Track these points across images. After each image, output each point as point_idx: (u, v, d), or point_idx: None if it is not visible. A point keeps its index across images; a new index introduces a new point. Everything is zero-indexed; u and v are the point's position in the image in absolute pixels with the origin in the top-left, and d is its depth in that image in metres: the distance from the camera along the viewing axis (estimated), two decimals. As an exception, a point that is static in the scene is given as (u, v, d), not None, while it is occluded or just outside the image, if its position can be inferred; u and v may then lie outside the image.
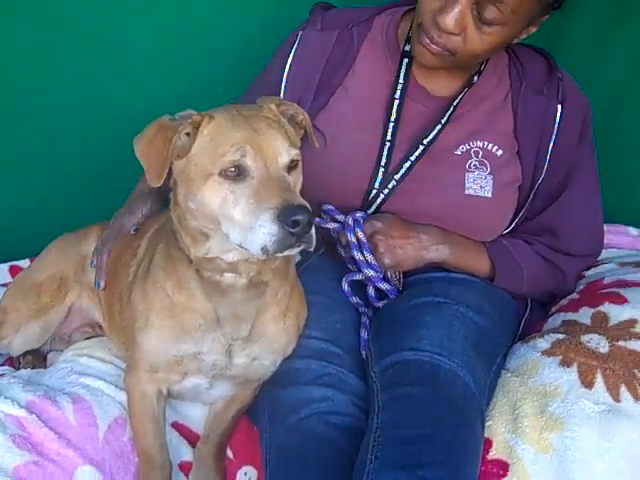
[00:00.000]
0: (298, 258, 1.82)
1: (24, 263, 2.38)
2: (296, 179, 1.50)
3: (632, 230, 2.35)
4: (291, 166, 1.48)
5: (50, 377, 1.85)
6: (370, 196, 1.81)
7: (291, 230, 1.37)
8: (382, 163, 1.79)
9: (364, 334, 1.73)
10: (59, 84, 2.34)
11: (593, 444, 1.55)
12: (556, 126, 1.82)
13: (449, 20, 1.63)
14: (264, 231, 1.38)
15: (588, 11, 2.24)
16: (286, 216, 1.37)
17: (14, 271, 2.37)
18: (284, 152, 1.46)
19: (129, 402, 1.73)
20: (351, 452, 1.52)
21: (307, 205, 1.40)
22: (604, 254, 2.16)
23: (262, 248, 1.39)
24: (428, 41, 1.68)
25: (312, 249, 1.43)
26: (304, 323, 1.73)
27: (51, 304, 2.00)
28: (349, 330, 1.75)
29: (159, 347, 1.64)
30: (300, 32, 1.88)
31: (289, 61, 1.84)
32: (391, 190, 1.80)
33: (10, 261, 2.43)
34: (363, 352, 1.71)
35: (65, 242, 2.09)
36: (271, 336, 1.66)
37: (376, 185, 1.80)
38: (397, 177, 1.79)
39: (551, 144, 1.82)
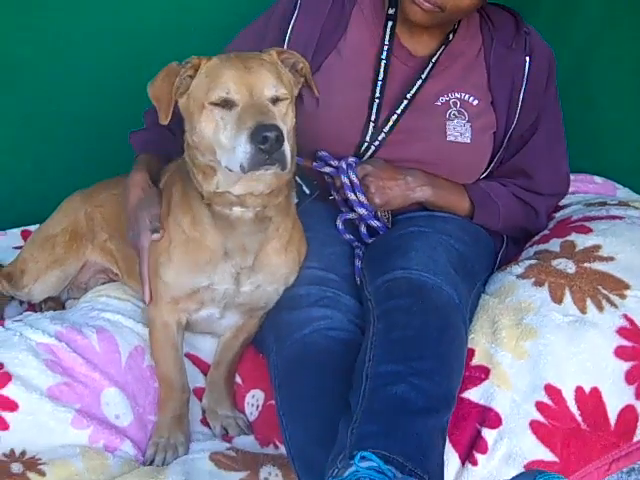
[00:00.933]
0: (296, 200, 1.99)
1: (34, 228, 2.48)
2: (284, 113, 1.66)
3: (597, 179, 2.54)
4: (275, 99, 1.64)
5: (73, 314, 2.01)
6: (362, 148, 1.98)
7: (261, 147, 1.53)
8: (372, 118, 1.97)
9: (358, 263, 1.91)
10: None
11: (563, 348, 1.73)
12: (525, 77, 2.00)
13: None
14: (240, 149, 1.55)
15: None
16: (257, 134, 1.53)
17: (25, 235, 2.50)
18: (271, 86, 1.63)
19: (151, 332, 1.88)
20: (348, 359, 1.68)
21: (278, 125, 1.56)
22: (572, 199, 2.34)
23: (240, 166, 1.57)
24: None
25: (285, 170, 1.60)
26: (304, 257, 1.91)
27: (66, 256, 2.14)
28: (344, 261, 1.92)
29: (179, 280, 1.80)
30: None
31: (291, 24, 1.98)
32: (381, 142, 1.97)
33: (21, 226, 2.56)
34: (358, 278, 1.88)
35: (75, 199, 2.23)
36: (273, 266, 1.83)
37: (367, 138, 1.97)
38: (386, 130, 1.97)
39: (522, 94, 2.00)
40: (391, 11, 1.98)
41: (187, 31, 2.52)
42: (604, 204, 2.22)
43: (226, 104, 1.61)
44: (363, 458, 1.39)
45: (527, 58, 2.00)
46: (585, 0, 2.49)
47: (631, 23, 2.44)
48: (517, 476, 1.34)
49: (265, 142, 1.54)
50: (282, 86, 1.66)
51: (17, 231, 2.56)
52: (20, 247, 2.34)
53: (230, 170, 1.63)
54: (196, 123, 1.66)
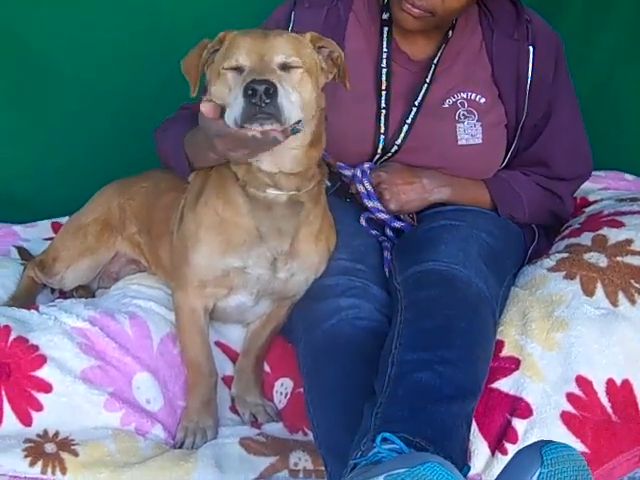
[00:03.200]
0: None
1: (64, 219, 2.51)
2: (297, 80, 1.62)
3: (628, 176, 2.54)
4: (286, 66, 1.62)
5: (105, 301, 2.03)
6: (374, 159, 1.98)
7: (252, 100, 1.52)
8: (382, 130, 1.95)
9: (387, 254, 1.92)
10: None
11: (594, 341, 1.73)
12: (530, 67, 1.95)
13: None
14: (236, 104, 1.56)
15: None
16: (248, 88, 1.53)
17: (55, 227, 2.54)
18: (281, 54, 1.62)
19: (178, 317, 1.89)
20: (375, 348, 1.69)
21: (272, 80, 1.54)
22: (603, 195, 2.35)
23: (234, 120, 1.56)
24: (409, 6, 1.81)
25: (283, 125, 1.56)
26: (334, 247, 1.90)
27: (97, 245, 2.16)
28: (372, 252, 1.93)
29: (208, 261, 1.80)
30: (292, 12, 1.97)
31: None
32: (394, 154, 1.97)
33: (52, 218, 2.60)
34: (387, 269, 1.88)
35: (109, 190, 2.24)
36: (304, 254, 1.83)
37: (379, 151, 1.97)
38: (398, 142, 1.96)
39: (528, 84, 1.96)
40: (385, 16, 1.95)
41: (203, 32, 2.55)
42: (636, 200, 2.21)
43: (237, 69, 1.62)
44: (385, 440, 1.40)
45: (531, 48, 1.96)
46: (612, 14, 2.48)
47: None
48: (524, 448, 1.34)
49: (255, 94, 1.52)
50: (296, 56, 1.64)
51: (47, 223, 2.59)
52: (50, 238, 2.38)
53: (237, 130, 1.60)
54: (215, 87, 1.67)
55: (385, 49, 1.95)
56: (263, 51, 1.62)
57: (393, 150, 1.96)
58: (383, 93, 1.95)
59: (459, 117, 1.97)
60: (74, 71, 2.58)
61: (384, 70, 1.95)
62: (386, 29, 1.95)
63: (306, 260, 1.84)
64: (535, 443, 1.32)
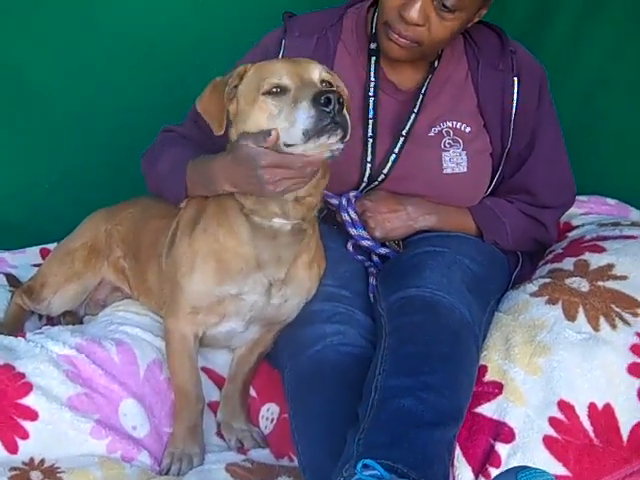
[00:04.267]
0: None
1: (53, 246, 2.51)
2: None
3: (610, 200, 2.57)
4: (324, 81, 1.65)
5: (92, 328, 2.05)
6: (361, 187, 2.00)
7: (325, 109, 1.53)
8: (368, 159, 1.96)
9: (372, 280, 1.94)
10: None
11: (577, 365, 1.74)
12: (515, 97, 1.98)
13: (414, 12, 1.78)
14: (302, 116, 1.55)
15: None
16: (319, 97, 1.54)
17: (44, 253, 2.55)
18: (318, 72, 1.65)
19: (168, 342, 1.89)
20: (360, 374, 1.70)
21: (337, 91, 1.57)
22: (585, 219, 2.38)
23: (304, 133, 1.56)
24: (396, 36, 1.83)
25: (346, 138, 1.58)
26: (323, 273, 1.92)
27: (84, 270, 2.18)
28: (358, 278, 1.95)
29: (203, 288, 1.80)
30: (282, 39, 1.99)
31: None
32: (380, 182, 1.99)
33: (40, 244, 2.60)
34: (371, 295, 1.90)
35: (97, 216, 2.27)
36: (300, 280, 1.84)
37: (365, 179, 1.98)
38: (385, 171, 1.97)
39: (513, 114, 1.99)
40: (373, 46, 1.98)
41: (204, 39, 2.57)
42: (617, 224, 2.24)
43: (279, 91, 1.62)
44: (366, 467, 1.41)
45: (515, 79, 1.99)
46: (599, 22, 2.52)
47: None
48: (500, 474, 1.36)
49: (328, 103, 1.53)
50: (329, 75, 1.68)
51: (36, 249, 2.60)
52: (39, 265, 2.39)
53: (288, 146, 1.60)
54: (248, 117, 1.66)
55: (373, 78, 1.97)
56: (300, 71, 1.64)
57: (380, 179, 1.98)
58: (370, 122, 1.97)
59: (444, 145, 1.99)
60: (63, 97, 2.60)
61: (371, 99, 1.97)
62: (374, 58, 1.98)
63: (300, 285, 1.86)
64: (512, 468, 1.34)
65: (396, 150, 1.97)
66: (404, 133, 1.97)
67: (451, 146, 1.99)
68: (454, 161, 1.98)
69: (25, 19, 2.52)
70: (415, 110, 1.98)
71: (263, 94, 1.63)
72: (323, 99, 1.53)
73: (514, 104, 1.99)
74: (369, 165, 1.97)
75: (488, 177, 2.05)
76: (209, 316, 1.86)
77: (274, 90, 1.63)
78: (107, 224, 2.22)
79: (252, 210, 1.75)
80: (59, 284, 2.18)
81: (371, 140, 1.97)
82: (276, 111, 1.62)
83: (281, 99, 1.62)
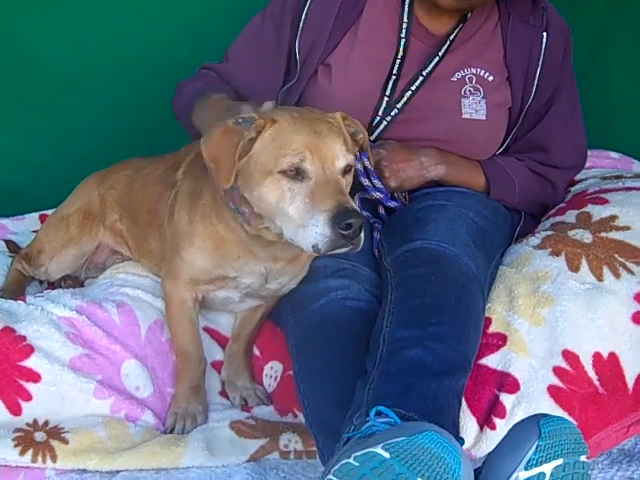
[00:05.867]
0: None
1: (51, 212, 2.54)
2: (348, 182, 1.60)
3: (613, 154, 2.55)
4: (345, 170, 1.58)
5: (93, 290, 2.03)
6: (374, 123, 1.98)
7: (343, 232, 1.47)
8: (387, 93, 1.97)
9: (377, 235, 1.91)
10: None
11: (580, 315, 1.74)
12: (542, 52, 1.99)
13: None
14: (317, 230, 1.48)
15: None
16: (340, 219, 1.46)
17: (43, 219, 2.55)
18: (342, 156, 1.56)
19: (168, 306, 1.89)
20: (365, 327, 1.70)
21: (359, 209, 1.52)
22: (588, 173, 2.36)
23: (313, 246, 1.50)
24: None
25: (357, 249, 1.52)
26: None
27: (80, 235, 2.17)
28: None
29: (202, 265, 1.80)
30: None
31: (308, 3, 1.97)
32: (393, 117, 1.97)
33: (39, 211, 2.62)
34: (375, 250, 1.88)
35: (90, 181, 2.26)
36: (297, 268, 1.84)
37: (380, 113, 1.97)
38: (399, 106, 1.97)
39: (538, 69, 1.99)
40: None
41: (199, 32, 2.55)
42: (620, 177, 2.23)
43: (297, 175, 1.54)
44: (379, 414, 1.40)
45: (544, 33, 1.99)
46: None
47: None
48: (522, 421, 1.35)
49: (349, 229, 1.47)
50: (349, 153, 1.59)
51: (35, 215, 2.61)
52: (38, 231, 2.37)
53: (294, 243, 1.56)
54: (255, 187, 1.58)
55: (405, 20, 1.97)
56: (322, 154, 1.54)
57: (393, 114, 1.97)
58: (398, 61, 1.97)
59: (465, 92, 1.98)
60: (62, 65, 2.57)
61: (403, 40, 1.97)
62: (407, 2, 1.98)
63: (298, 271, 1.85)
64: (532, 416, 1.32)
65: (413, 87, 1.97)
66: (424, 73, 1.97)
67: (471, 94, 1.98)
68: (473, 107, 1.98)
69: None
70: (440, 54, 1.97)
71: (280, 172, 1.54)
72: (344, 224, 1.46)
73: (541, 58, 1.99)
74: (386, 99, 1.97)
75: (504, 131, 2.03)
76: (207, 286, 1.86)
77: (291, 171, 1.54)
78: (100, 188, 2.21)
79: (250, 229, 1.71)
80: (55, 250, 2.18)
81: (394, 77, 1.97)
82: (289, 197, 1.54)
83: (298, 187, 1.53)
